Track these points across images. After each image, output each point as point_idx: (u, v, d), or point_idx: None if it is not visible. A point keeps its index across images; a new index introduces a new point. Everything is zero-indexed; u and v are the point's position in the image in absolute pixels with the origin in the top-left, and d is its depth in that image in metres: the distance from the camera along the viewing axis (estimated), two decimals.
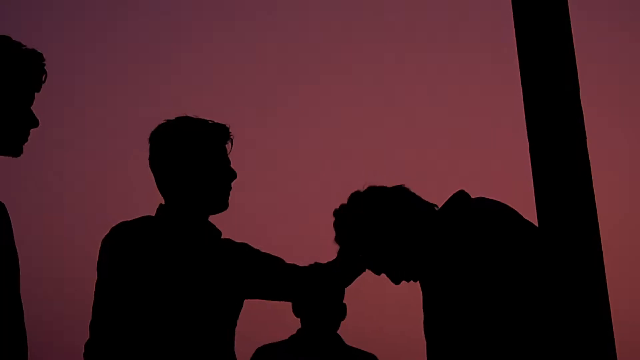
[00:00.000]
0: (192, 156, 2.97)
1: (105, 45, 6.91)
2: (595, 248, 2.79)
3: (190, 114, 3.04)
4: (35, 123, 2.55)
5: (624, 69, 6.17)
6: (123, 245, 2.93)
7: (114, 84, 6.89)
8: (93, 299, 2.95)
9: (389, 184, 3.10)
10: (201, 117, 3.06)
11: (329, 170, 6.57)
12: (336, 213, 3.09)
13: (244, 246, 3.12)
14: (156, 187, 3.06)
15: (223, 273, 3.02)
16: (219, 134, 3.01)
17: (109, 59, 6.88)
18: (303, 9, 6.73)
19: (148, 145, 3.03)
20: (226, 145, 3.03)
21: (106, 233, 2.98)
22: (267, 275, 3.07)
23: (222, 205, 3.02)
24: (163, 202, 3.05)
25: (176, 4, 6.81)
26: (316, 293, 3.10)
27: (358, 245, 3.04)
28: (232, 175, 3.02)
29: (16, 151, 2.53)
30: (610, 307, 2.79)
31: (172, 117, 3.03)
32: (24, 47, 2.53)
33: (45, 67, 2.56)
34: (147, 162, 3.05)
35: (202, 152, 2.97)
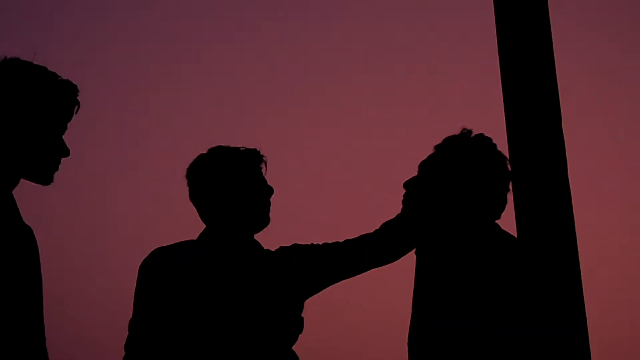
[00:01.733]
0: (232, 185, 3.10)
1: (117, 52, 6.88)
2: (572, 258, 2.92)
3: (221, 144, 3.17)
4: (66, 152, 2.59)
5: (604, 76, 6.33)
6: (165, 270, 3.07)
7: (113, 85, 6.90)
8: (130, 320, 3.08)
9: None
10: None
11: (350, 170, 6.58)
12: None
13: (295, 249, 3.21)
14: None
15: (281, 289, 3.18)
16: (252, 159, 3.14)
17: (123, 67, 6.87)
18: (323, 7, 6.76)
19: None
20: (260, 167, 3.17)
21: (144, 257, 3.12)
22: (326, 265, 3.19)
23: (264, 222, 3.15)
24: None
25: (194, 7, 6.80)
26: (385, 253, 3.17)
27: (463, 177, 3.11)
28: (269, 192, 3.15)
29: (47, 180, 2.57)
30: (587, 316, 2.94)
31: (205, 151, 3.16)
32: (59, 78, 2.57)
33: (78, 98, 2.59)
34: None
35: (240, 180, 3.11)
